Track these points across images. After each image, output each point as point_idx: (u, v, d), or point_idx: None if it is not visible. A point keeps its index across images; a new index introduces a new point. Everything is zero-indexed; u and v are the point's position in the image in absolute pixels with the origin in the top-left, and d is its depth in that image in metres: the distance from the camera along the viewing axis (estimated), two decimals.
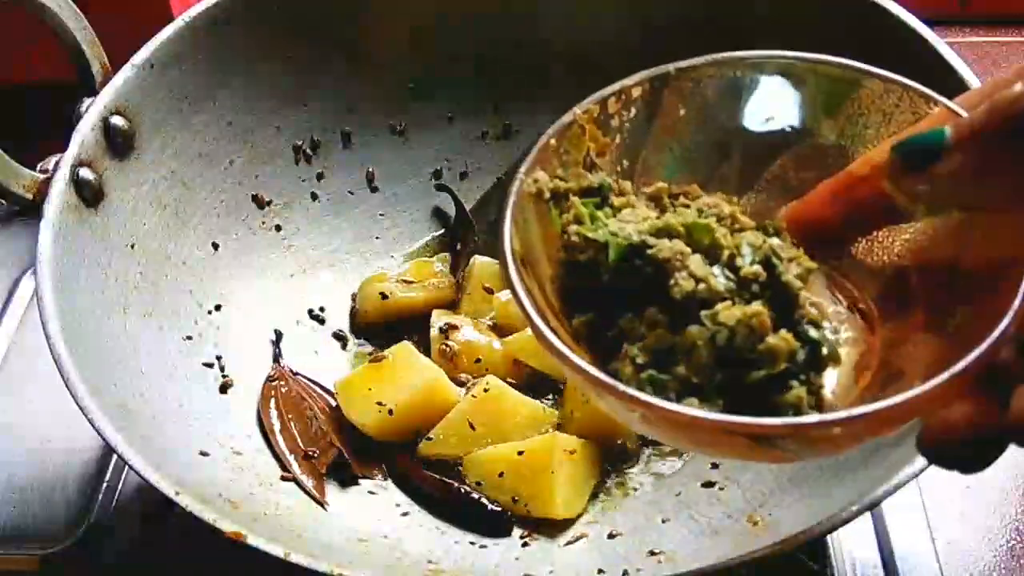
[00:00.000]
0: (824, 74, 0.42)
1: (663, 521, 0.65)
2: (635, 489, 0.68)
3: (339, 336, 0.77)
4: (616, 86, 0.43)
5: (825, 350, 0.39)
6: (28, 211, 0.63)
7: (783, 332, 0.37)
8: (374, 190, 0.82)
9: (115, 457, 0.72)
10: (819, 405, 0.38)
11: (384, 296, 0.76)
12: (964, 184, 0.36)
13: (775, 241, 0.40)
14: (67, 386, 0.56)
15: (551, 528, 0.65)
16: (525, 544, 0.65)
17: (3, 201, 0.64)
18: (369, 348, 0.77)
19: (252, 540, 0.51)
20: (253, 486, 0.64)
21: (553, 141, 0.42)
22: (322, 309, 0.78)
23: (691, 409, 0.36)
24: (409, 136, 0.82)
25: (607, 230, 0.39)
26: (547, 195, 0.41)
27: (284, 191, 0.79)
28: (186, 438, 0.63)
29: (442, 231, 0.82)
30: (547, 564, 0.63)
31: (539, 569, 0.62)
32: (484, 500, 0.66)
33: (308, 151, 0.80)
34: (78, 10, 0.68)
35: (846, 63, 0.42)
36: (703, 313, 0.37)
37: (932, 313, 0.40)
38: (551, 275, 0.41)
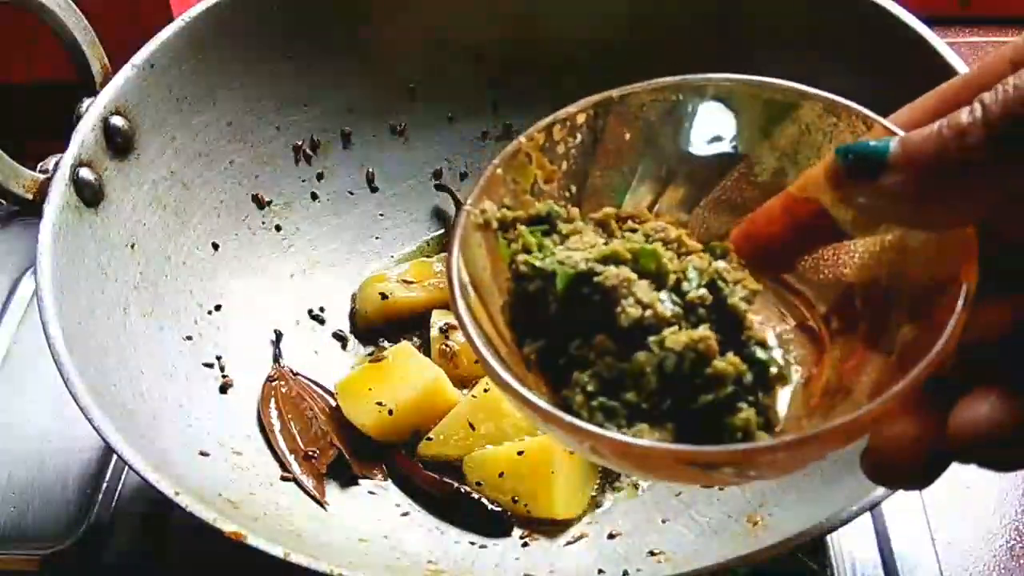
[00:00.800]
0: (764, 95, 0.43)
1: (663, 521, 0.65)
2: (635, 489, 0.68)
3: (339, 336, 0.77)
4: (561, 113, 0.43)
5: (773, 370, 0.39)
6: (28, 211, 0.63)
7: (730, 355, 0.38)
8: (374, 190, 0.82)
9: (115, 457, 0.72)
10: (769, 425, 0.38)
11: (384, 296, 0.76)
12: (901, 204, 0.35)
13: (720, 264, 0.40)
14: (67, 386, 0.56)
15: (551, 528, 0.66)
16: (525, 544, 0.65)
17: (3, 201, 0.64)
18: (369, 348, 0.77)
19: (252, 540, 0.51)
20: (253, 486, 0.64)
21: (500, 171, 0.42)
22: (322, 309, 0.78)
23: (634, 438, 0.36)
24: (409, 136, 0.82)
25: (554, 259, 0.39)
26: (494, 225, 0.41)
27: (284, 191, 0.79)
28: (186, 438, 0.63)
29: (442, 231, 0.82)
30: (547, 564, 0.63)
31: (539, 569, 0.62)
32: (484, 500, 0.66)
33: (308, 151, 0.80)
34: (78, 10, 0.68)
35: (786, 85, 0.42)
36: (650, 339, 0.37)
37: (876, 330, 0.40)
38: (501, 304, 0.41)
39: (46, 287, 0.59)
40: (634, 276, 0.39)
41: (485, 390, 0.69)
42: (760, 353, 0.39)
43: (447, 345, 0.73)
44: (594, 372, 0.38)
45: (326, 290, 0.78)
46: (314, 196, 0.80)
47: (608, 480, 0.68)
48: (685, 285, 0.39)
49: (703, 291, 0.39)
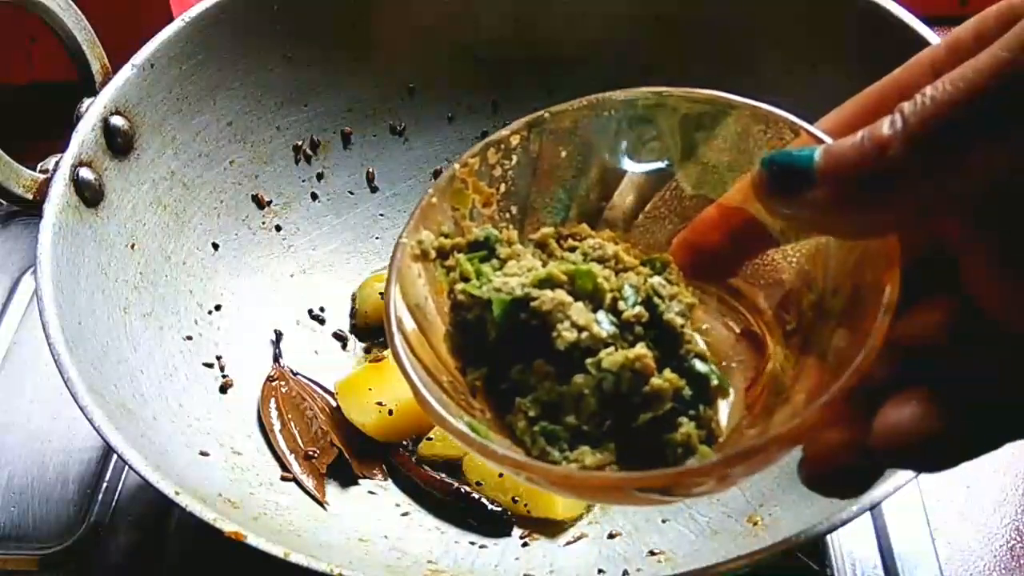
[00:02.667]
0: (692, 105, 0.43)
1: (663, 521, 0.65)
2: None
3: (339, 336, 0.77)
4: (494, 137, 0.44)
5: (714, 382, 0.39)
6: (28, 211, 0.63)
7: (667, 372, 0.38)
8: (374, 190, 0.82)
9: (115, 457, 0.72)
10: (712, 438, 0.39)
11: (384, 296, 0.76)
12: (822, 214, 0.34)
13: (656, 280, 0.40)
14: (67, 386, 0.56)
15: (551, 528, 0.66)
16: (525, 544, 0.65)
17: (3, 201, 0.64)
18: (369, 348, 0.77)
19: (252, 540, 0.51)
20: (253, 486, 0.64)
21: (435, 200, 0.43)
22: (322, 309, 0.78)
23: (550, 466, 0.37)
24: (409, 136, 0.82)
25: (491, 286, 0.39)
26: (432, 254, 0.42)
27: (284, 191, 0.79)
28: (186, 438, 0.63)
29: None
30: (547, 564, 0.63)
31: (539, 569, 0.62)
32: (484, 500, 0.66)
33: (308, 151, 0.80)
34: (78, 10, 0.68)
35: (714, 94, 0.42)
36: (588, 361, 0.38)
37: (812, 335, 0.40)
38: (444, 333, 0.41)
39: (46, 287, 0.59)
40: (569, 299, 0.39)
41: None
42: (699, 366, 0.39)
43: None
44: (535, 397, 0.38)
45: (326, 290, 0.78)
46: (314, 196, 0.80)
47: None
48: (621, 304, 0.39)
49: (639, 309, 0.39)
